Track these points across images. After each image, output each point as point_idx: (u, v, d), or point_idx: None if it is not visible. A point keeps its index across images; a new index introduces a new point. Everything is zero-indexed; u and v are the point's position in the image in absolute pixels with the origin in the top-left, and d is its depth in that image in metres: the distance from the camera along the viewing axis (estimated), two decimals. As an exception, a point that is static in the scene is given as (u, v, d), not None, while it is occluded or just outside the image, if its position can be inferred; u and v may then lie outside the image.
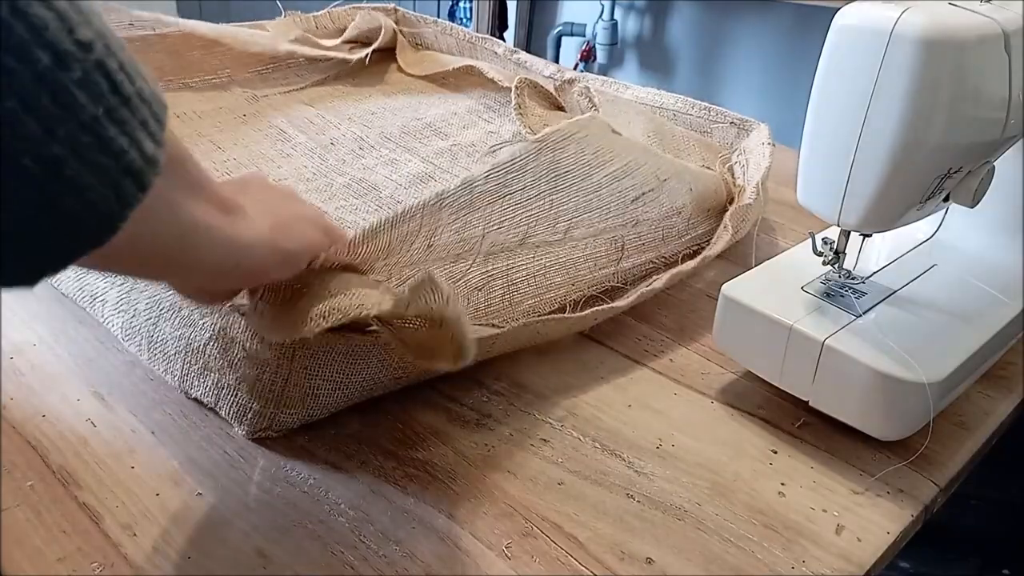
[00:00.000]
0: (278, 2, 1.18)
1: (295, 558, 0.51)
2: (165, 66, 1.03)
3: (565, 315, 0.65)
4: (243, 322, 0.59)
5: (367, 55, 1.17)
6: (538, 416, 0.64)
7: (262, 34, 1.12)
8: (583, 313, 0.67)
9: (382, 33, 1.21)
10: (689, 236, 0.82)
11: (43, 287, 0.73)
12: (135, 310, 0.64)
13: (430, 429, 0.61)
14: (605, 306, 0.69)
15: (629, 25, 2.42)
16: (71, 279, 0.70)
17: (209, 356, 0.61)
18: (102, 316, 0.67)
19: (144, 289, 0.65)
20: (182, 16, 1.07)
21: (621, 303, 0.71)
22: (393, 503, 0.55)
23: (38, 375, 0.64)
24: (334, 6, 1.24)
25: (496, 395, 0.65)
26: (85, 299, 0.69)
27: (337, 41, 1.17)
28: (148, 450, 0.58)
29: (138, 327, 0.64)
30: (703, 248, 0.81)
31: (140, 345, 0.64)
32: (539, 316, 0.66)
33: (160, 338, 0.62)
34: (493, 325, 0.61)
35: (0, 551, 0.50)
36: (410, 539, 0.53)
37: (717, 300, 0.66)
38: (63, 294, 0.72)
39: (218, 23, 1.10)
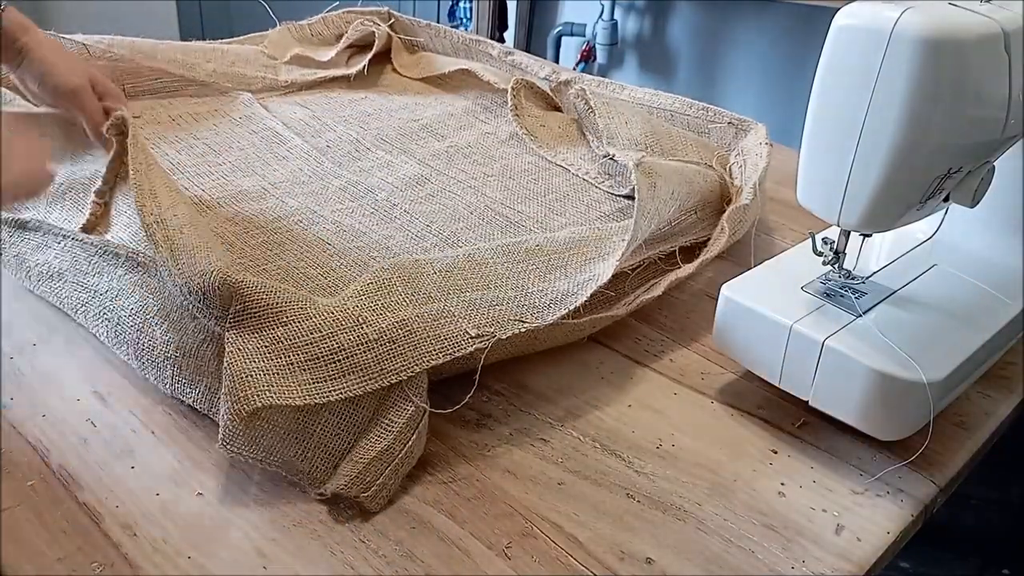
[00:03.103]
0: (271, 11, 1.18)
1: (295, 558, 0.51)
2: (162, 72, 1.03)
3: (564, 322, 0.65)
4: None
5: (364, 67, 1.17)
6: (538, 416, 0.64)
7: (265, 62, 1.12)
8: (581, 320, 0.67)
9: (376, 40, 1.21)
10: (683, 237, 0.82)
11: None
12: (119, 318, 0.64)
13: (430, 429, 0.61)
14: (604, 313, 0.69)
15: (629, 25, 2.41)
16: (55, 290, 0.70)
17: (201, 359, 0.60)
18: (86, 323, 0.67)
19: (128, 297, 0.65)
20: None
21: (620, 310, 0.71)
22: (393, 503, 0.55)
23: (38, 375, 0.64)
24: (329, 10, 1.24)
25: (496, 395, 0.65)
26: (70, 309, 0.68)
27: (333, 53, 1.17)
28: (148, 450, 0.58)
29: (124, 334, 0.64)
30: (700, 246, 0.81)
31: (128, 353, 0.64)
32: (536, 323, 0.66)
33: (148, 344, 0.62)
34: (490, 334, 0.61)
35: (0, 551, 0.50)
36: (410, 539, 0.53)
37: (717, 300, 0.66)
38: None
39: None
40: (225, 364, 0.55)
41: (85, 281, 0.67)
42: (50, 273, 0.69)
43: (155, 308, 0.63)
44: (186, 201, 0.71)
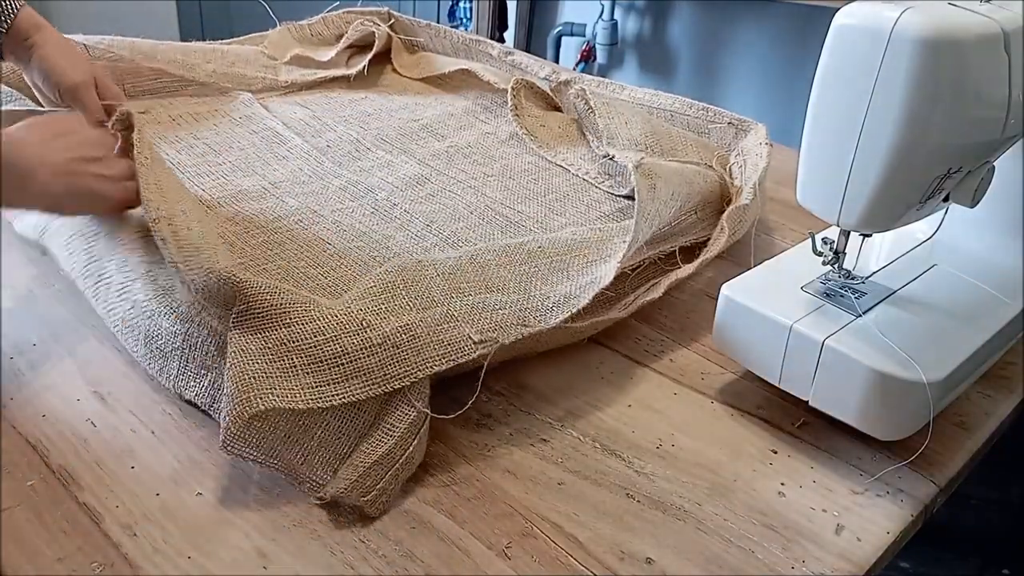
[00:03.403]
0: (271, 11, 1.18)
1: (295, 558, 0.51)
2: (162, 72, 1.03)
3: (565, 326, 0.65)
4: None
5: (364, 67, 1.17)
6: (538, 416, 0.64)
7: (265, 62, 1.13)
8: (583, 324, 0.67)
9: (376, 41, 1.21)
10: (683, 237, 0.82)
11: (42, 288, 0.73)
12: (134, 300, 0.65)
13: (431, 429, 0.61)
14: (605, 316, 0.69)
15: (629, 25, 2.41)
16: (82, 261, 0.70)
17: (207, 354, 0.60)
18: (105, 302, 0.67)
19: (147, 279, 0.65)
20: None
21: (621, 313, 0.71)
22: (393, 503, 0.55)
23: (38, 375, 0.64)
24: (329, 11, 1.24)
25: (496, 395, 0.65)
26: (91, 280, 0.68)
27: (332, 53, 1.17)
28: (148, 450, 0.58)
29: (135, 319, 0.64)
30: (700, 246, 0.81)
31: (137, 340, 0.64)
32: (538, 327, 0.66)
33: (157, 333, 0.62)
34: (493, 339, 0.61)
35: (0, 551, 0.50)
36: (410, 539, 0.53)
37: (717, 300, 0.66)
38: (62, 269, 0.72)
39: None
40: (227, 365, 0.55)
41: (102, 266, 0.68)
42: (79, 235, 0.70)
43: (166, 300, 0.64)
44: (192, 198, 0.71)
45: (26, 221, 0.76)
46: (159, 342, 0.62)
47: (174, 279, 0.65)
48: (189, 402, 0.61)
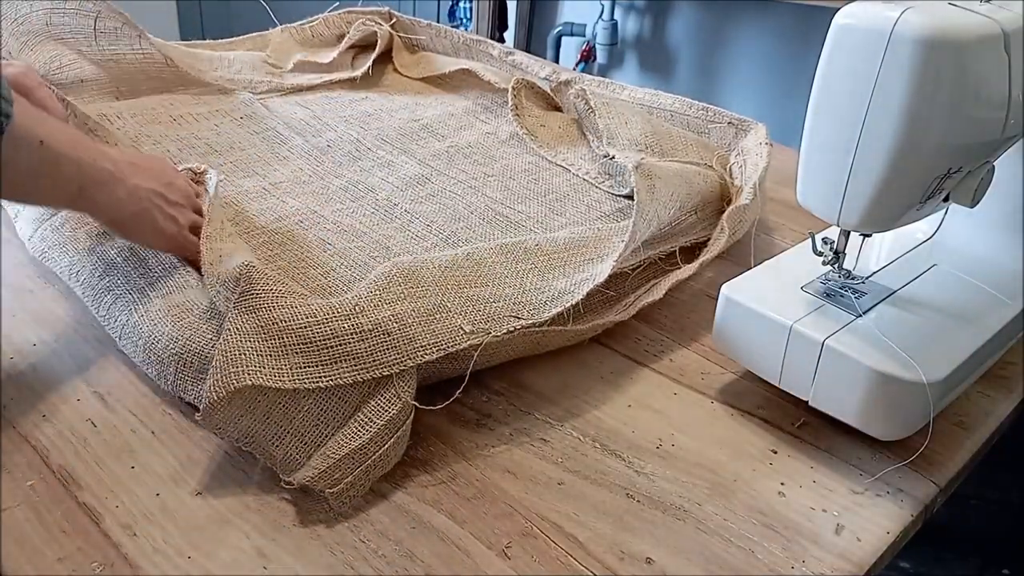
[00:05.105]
0: (271, 12, 1.18)
1: (295, 558, 0.51)
2: (164, 72, 1.03)
3: (565, 328, 0.65)
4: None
5: (369, 68, 1.17)
6: (538, 416, 0.64)
7: (269, 70, 1.13)
8: (583, 327, 0.67)
9: (379, 41, 1.21)
10: (683, 237, 0.82)
11: (42, 288, 0.73)
12: (136, 305, 0.65)
13: (430, 429, 0.61)
14: (606, 319, 0.69)
15: (629, 25, 2.41)
16: (91, 274, 0.70)
17: (206, 360, 0.61)
18: (103, 312, 0.67)
19: (146, 292, 0.65)
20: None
21: (621, 315, 0.71)
22: (393, 503, 0.55)
23: (38, 375, 0.64)
24: (330, 11, 1.24)
25: (496, 395, 0.65)
26: (91, 297, 0.69)
27: (335, 54, 1.17)
28: (148, 450, 0.58)
29: (136, 326, 0.64)
30: (700, 246, 0.81)
31: (136, 344, 0.64)
32: (539, 327, 0.65)
33: (156, 338, 0.62)
34: (488, 333, 0.61)
35: (0, 551, 0.50)
36: (410, 539, 0.53)
37: (717, 300, 0.66)
38: (71, 286, 0.72)
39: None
40: (220, 341, 0.56)
41: (107, 275, 0.68)
42: (78, 267, 0.71)
43: (165, 307, 0.64)
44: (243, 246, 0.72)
45: (28, 226, 0.76)
46: (157, 347, 0.62)
47: (183, 288, 0.66)
48: (189, 403, 0.61)
